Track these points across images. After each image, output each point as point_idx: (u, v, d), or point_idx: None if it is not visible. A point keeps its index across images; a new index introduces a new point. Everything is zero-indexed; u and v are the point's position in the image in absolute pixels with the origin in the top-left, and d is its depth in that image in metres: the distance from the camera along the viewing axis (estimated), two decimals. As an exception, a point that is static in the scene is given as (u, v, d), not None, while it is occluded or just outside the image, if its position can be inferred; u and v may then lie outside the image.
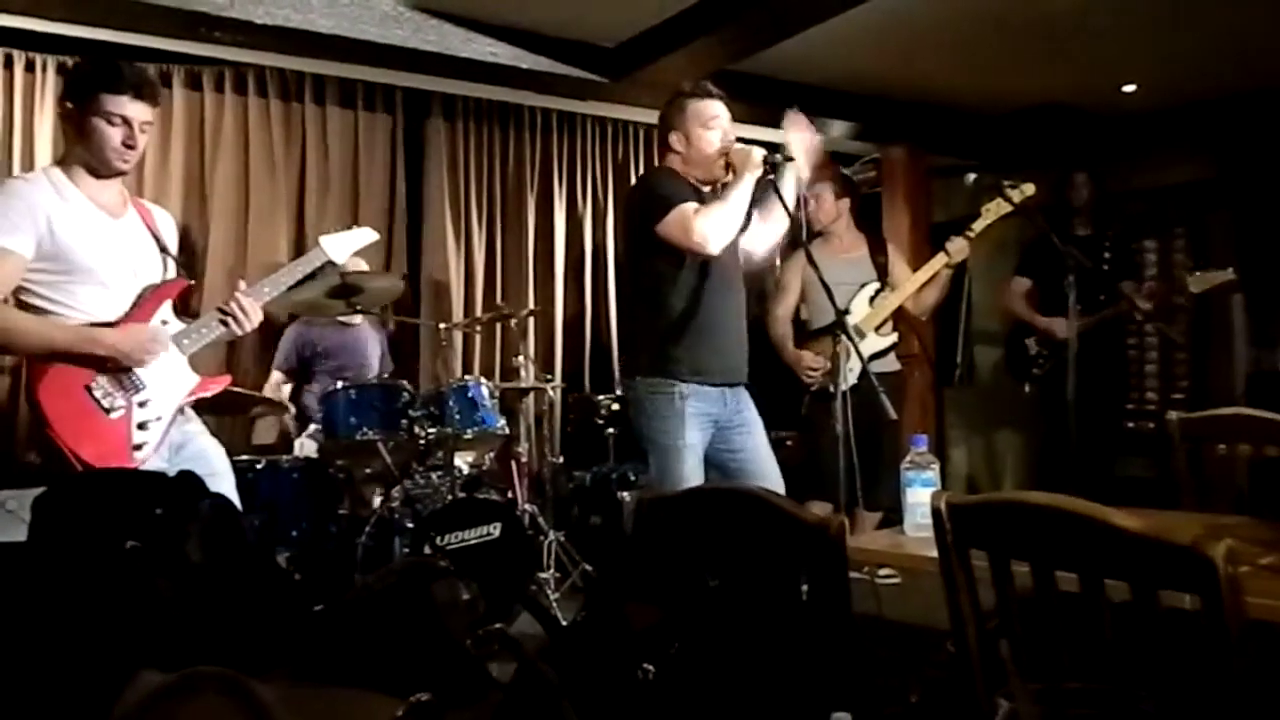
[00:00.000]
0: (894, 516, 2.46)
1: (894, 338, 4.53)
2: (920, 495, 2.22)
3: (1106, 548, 1.40)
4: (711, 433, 3.02)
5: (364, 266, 4.50)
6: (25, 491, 2.76)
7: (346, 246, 3.00)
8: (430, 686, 1.04)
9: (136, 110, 2.50)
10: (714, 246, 2.84)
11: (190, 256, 4.50)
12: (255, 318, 2.67)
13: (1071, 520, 1.42)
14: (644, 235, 2.94)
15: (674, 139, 3.06)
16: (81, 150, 2.51)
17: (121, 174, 2.58)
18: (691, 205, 2.87)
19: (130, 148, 2.51)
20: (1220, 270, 4.52)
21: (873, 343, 4.38)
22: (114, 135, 2.48)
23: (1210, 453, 2.77)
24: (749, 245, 3.14)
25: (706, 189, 3.05)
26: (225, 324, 2.64)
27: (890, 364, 4.54)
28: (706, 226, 2.82)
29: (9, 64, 4.30)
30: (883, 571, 3.97)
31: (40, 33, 4.13)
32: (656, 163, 5.82)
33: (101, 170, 2.53)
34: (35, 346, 2.44)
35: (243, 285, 2.73)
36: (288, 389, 4.55)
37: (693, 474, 2.93)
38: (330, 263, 3.01)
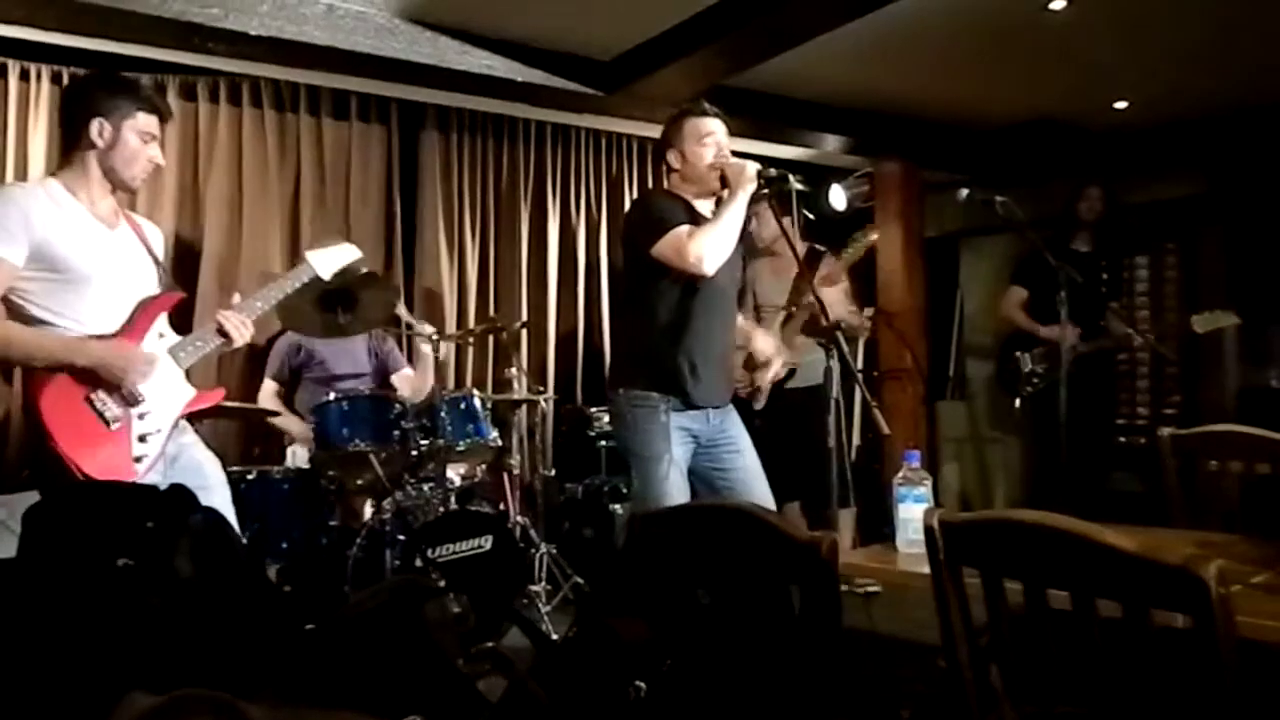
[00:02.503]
0: (886, 531, 2.45)
1: (804, 358, 4.51)
2: (913, 511, 2.23)
3: (1099, 567, 1.40)
4: (694, 449, 3.03)
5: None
6: (15, 499, 2.75)
7: (333, 262, 3.01)
8: (422, 708, 1.03)
9: (159, 130, 2.61)
10: (709, 266, 2.86)
11: (184, 267, 4.49)
12: (248, 332, 2.69)
13: (1064, 539, 1.43)
14: (640, 256, 2.97)
15: (671, 156, 3.11)
16: (103, 162, 2.54)
17: (135, 189, 2.68)
18: (685, 228, 2.89)
19: (155, 165, 2.62)
20: (1225, 312, 4.55)
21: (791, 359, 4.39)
22: (144, 152, 2.58)
23: (1202, 469, 2.78)
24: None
25: (704, 203, 3.07)
26: (225, 335, 2.65)
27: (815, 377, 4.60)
28: (701, 247, 2.84)
29: (3, 73, 4.29)
30: (859, 579, 3.95)
31: (35, 42, 4.12)
32: (654, 179, 5.94)
33: (123, 183, 2.59)
34: (18, 356, 2.45)
35: (237, 298, 2.75)
36: (277, 399, 4.53)
37: (675, 487, 2.94)
38: (318, 278, 3.00)
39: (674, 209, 2.99)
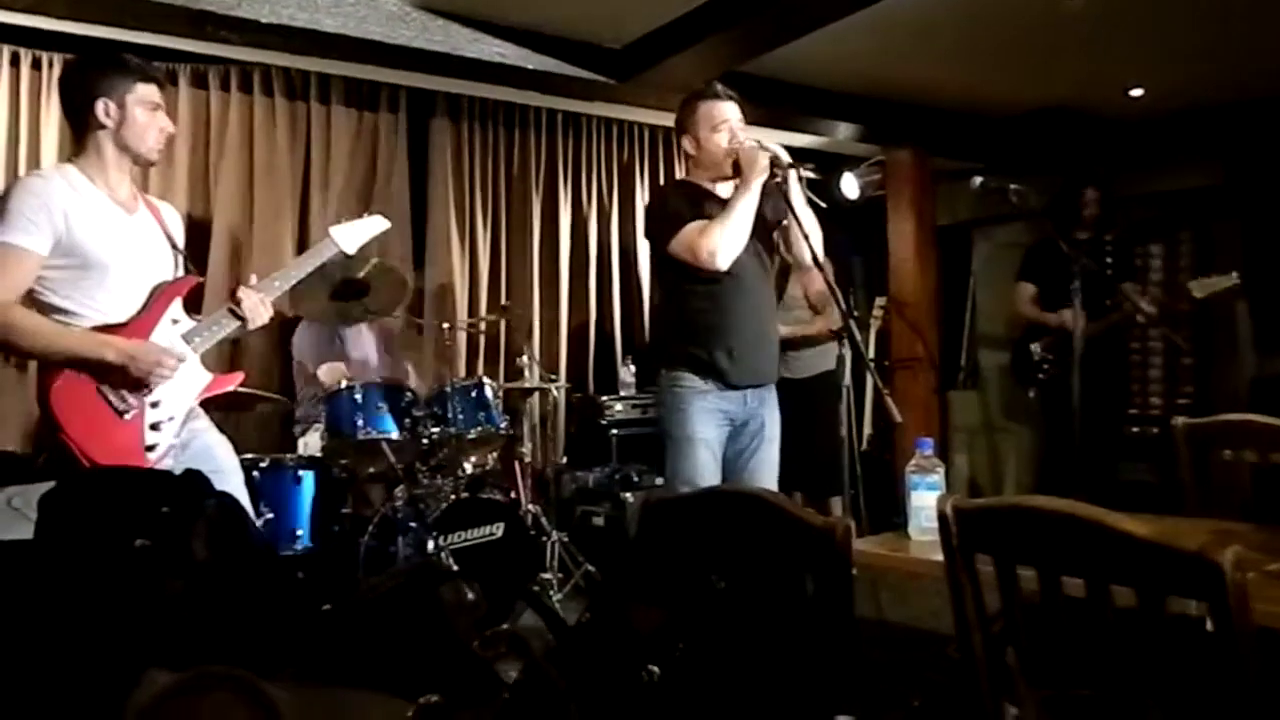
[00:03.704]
0: (896, 520, 2.45)
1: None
2: (925, 498, 2.23)
3: (1113, 553, 1.39)
4: (729, 431, 3.06)
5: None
6: (30, 488, 2.76)
7: (357, 237, 2.99)
8: (439, 688, 1.04)
9: (160, 97, 2.61)
10: (723, 261, 2.89)
11: (194, 255, 4.50)
12: (266, 312, 2.69)
13: (1079, 525, 1.42)
14: (660, 250, 3.03)
15: (686, 142, 3.12)
16: (117, 141, 2.55)
17: (155, 162, 2.68)
18: (697, 225, 2.92)
19: (168, 133, 2.63)
20: (1224, 275, 4.52)
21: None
22: (154, 121, 2.58)
23: (1215, 458, 2.76)
24: (799, 251, 3.09)
25: (725, 186, 3.06)
26: (240, 318, 2.64)
27: (824, 364, 4.80)
28: (713, 243, 2.87)
29: (15, 62, 4.30)
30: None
31: (46, 31, 4.13)
32: (666, 166, 5.94)
33: (142, 157, 2.60)
34: (43, 349, 2.44)
35: (254, 279, 2.75)
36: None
37: (705, 468, 2.97)
38: (342, 253, 2.99)
39: (687, 203, 3.01)
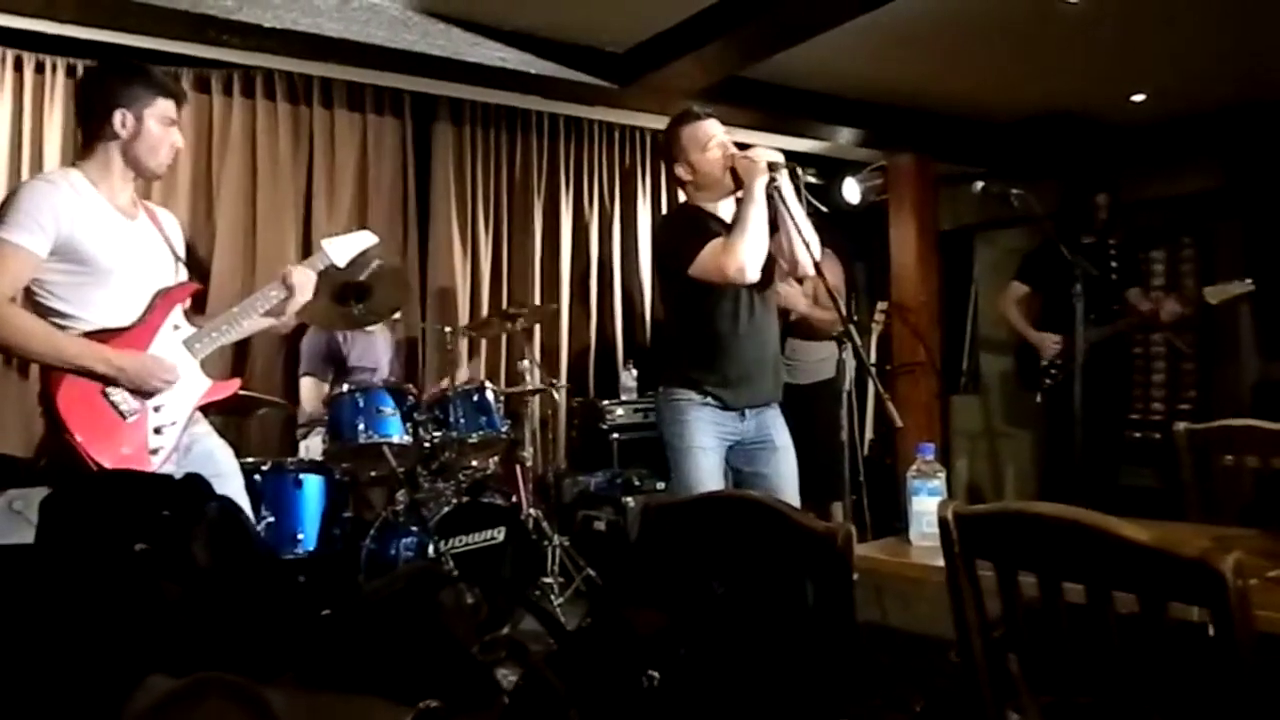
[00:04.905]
0: (898, 525, 2.44)
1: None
2: (926, 504, 2.23)
3: (1115, 559, 1.39)
4: (731, 445, 3.06)
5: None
6: (32, 491, 2.77)
7: (348, 250, 3.02)
8: (438, 693, 1.04)
9: (177, 114, 2.63)
10: (751, 274, 2.88)
11: (197, 259, 4.50)
12: (311, 286, 2.77)
13: (1080, 531, 1.42)
14: (673, 275, 3.02)
15: (680, 170, 3.10)
16: (127, 152, 2.55)
17: (160, 177, 2.71)
18: (717, 243, 2.90)
19: (176, 149, 2.64)
20: (1238, 282, 4.52)
21: None
22: (167, 136, 2.59)
23: (1217, 464, 2.76)
24: (798, 254, 3.04)
25: (725, 204, 3.05)
26: (290, 290, 2.71)
27: (827, 371, 4.94)
28: (739, 258, 2.85)
29: (19, 66, 4.30)
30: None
31: (50, 35, 4.14)
32: (668, 174, 5.91)
33: (150, 171, 2.62)
34: (42, 353, 2.44)
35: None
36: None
37: (709, 477, 2.98)
38: (333, 265, 3.01)
39: (696, 227, 3.00)
